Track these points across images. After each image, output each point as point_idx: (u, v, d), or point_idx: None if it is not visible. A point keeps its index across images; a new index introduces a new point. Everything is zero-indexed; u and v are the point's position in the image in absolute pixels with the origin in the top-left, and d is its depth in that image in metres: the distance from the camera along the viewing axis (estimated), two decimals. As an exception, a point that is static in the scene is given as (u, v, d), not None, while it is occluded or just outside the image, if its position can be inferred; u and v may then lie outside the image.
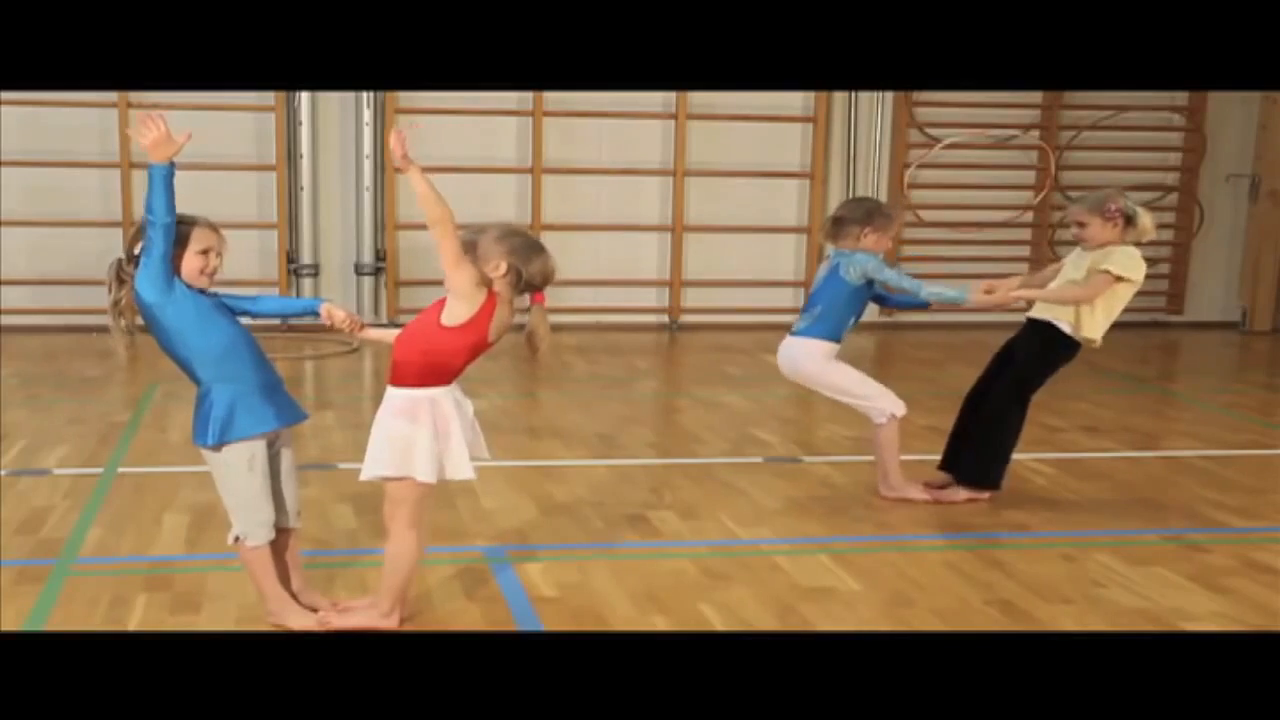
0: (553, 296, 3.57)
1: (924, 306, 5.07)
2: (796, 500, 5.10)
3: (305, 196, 9.47)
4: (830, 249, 5.13)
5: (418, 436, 3.41)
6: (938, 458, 5.21)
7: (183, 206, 3.39)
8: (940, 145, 10.30)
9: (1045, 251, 10.34)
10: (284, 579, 3.65)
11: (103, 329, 3.52)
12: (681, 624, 3.75)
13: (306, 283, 9.55)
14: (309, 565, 3.86)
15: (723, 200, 10.10)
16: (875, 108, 10.16)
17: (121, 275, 3.46)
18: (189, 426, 3.54)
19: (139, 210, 3.60)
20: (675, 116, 9.88)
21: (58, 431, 6.05)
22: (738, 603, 3.92)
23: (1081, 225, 4.84)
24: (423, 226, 3.31)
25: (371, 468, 3.47)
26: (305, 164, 9.42)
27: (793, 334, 5.08)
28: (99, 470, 5.34)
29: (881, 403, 5.04)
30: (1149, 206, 5.27)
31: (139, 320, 3.48)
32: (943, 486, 5.09)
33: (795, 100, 10.07)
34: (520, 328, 3.50)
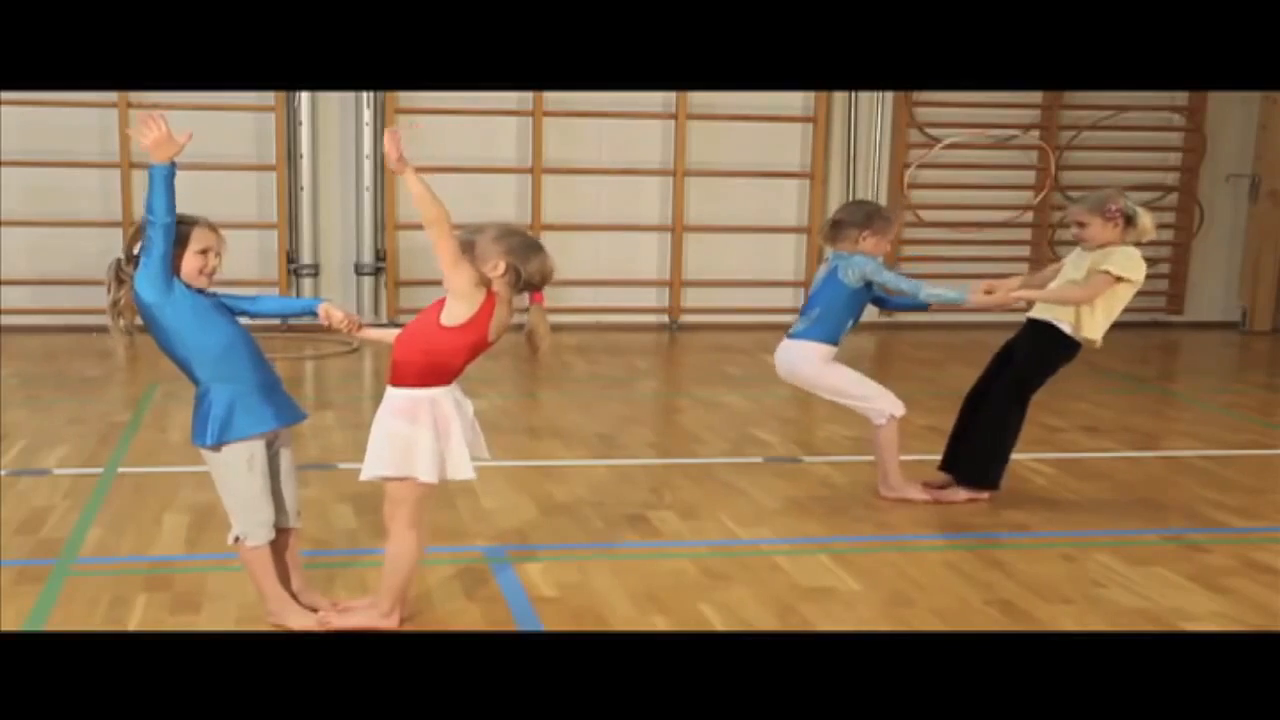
0: (553, 296, 3.57)
1: (923, 308, 5.07)
2: (796, 500, 5.10)
3: (305, 196, 9.46)
4: (829, 251, 5.13)
5: (418, 436, 3.41)
6: (937, 458, 5.21)
7: (183, 206, 3.39)
8: (940, 145, 10.29)
9: (1045, 251, 10.34)
10: (284, 579, 3.65)
11: (102, 329, 3.52)
12: (681, 624, 3.75)
13: (306, 283, 9.54)
14: (309, 565, 3.86)
15: (723, 200, 10.10)
16: (875, 108, 10.15)
17: (120, 275, 3.46)
18: (189, 426, 3.54)
19: (139, 210, 3.60)
20: (675, 116, 9.87)
21: (58, 431, 6.05)
22: (738, 603, 3.92)
23: (1081, 225, 4.84)
24: (423, 226, 3.30)
25: (372, 468, 3.47)
26: (305, 164, 9.42)
27: (790, 336, 5.07)
28: (99, 470, 5.34)
29: (880, 403, 5.03)
30: (1149, 206, 5.27)
31: (138, 320, 3.48)
32: (942, 486, 5.09)
33: (795, 100, 10.07)
34: (520, 327, 3.50)
